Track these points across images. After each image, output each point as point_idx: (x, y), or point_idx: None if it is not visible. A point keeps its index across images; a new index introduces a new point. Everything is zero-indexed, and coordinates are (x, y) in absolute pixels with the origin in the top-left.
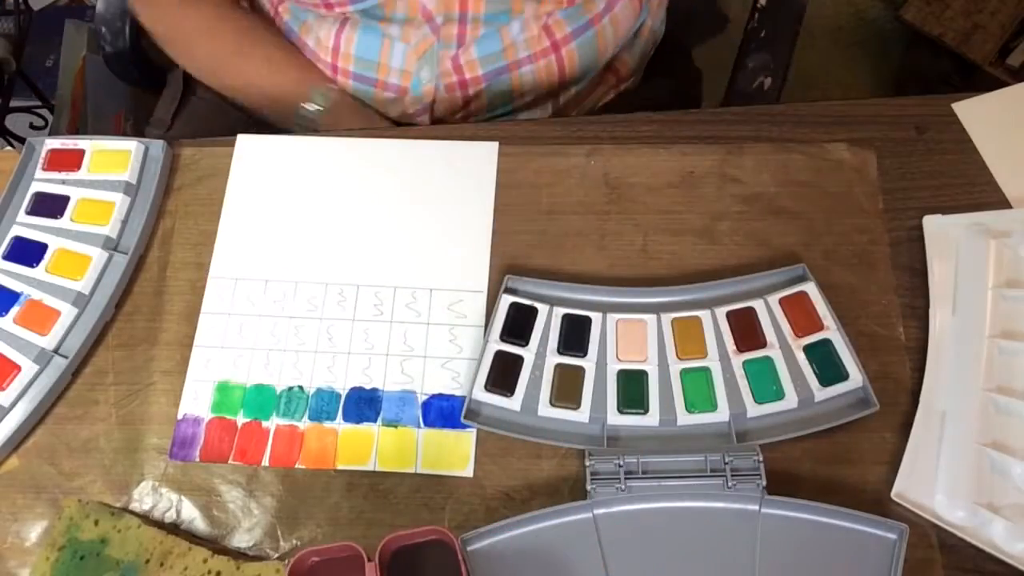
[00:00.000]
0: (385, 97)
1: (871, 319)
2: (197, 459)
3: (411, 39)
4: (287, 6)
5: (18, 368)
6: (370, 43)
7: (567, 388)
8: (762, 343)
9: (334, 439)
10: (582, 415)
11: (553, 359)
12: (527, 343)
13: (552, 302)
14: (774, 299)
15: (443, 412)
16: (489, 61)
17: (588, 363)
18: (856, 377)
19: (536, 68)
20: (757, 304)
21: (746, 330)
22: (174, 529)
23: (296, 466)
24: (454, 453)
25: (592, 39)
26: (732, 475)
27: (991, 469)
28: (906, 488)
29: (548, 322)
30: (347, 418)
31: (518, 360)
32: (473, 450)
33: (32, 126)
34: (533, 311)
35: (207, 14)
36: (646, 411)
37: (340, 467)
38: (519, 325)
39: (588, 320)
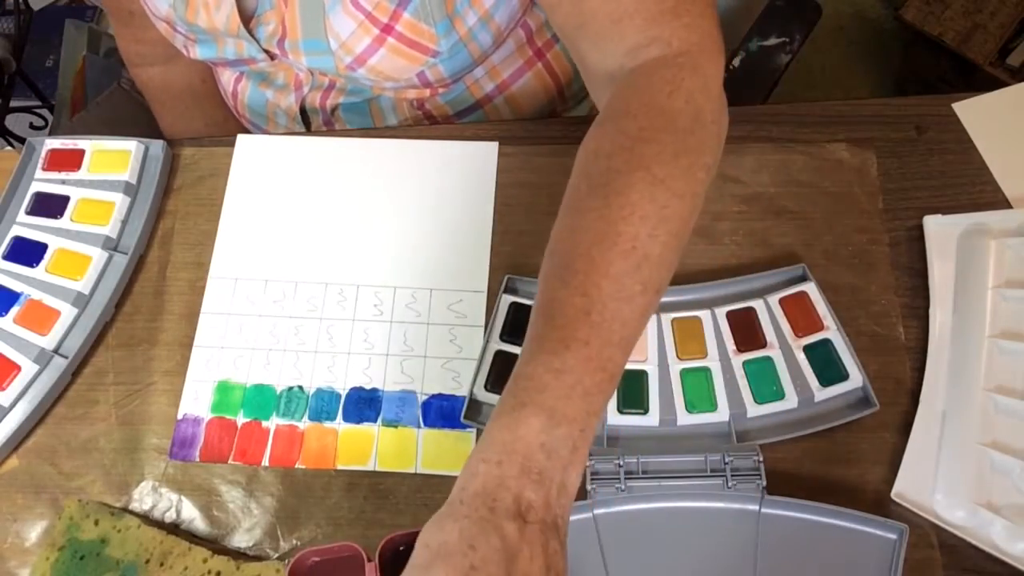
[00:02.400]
0: None
1: (871, 319)
2: (197, 459)
3: (284, 103)
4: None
5: (18, 368)
6: (256, 98)
7: None
8: (762, 343)
9: (334, 439)
10: None
11: None
12: None
13: None
14: (774, 299)
15: (443, 412)
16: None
17: None
18: (856, 377)
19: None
20: (757, 304)
21: (746, 330)
22: (174, 529)
23: (296, 466)
24: (454, 453)
25: (482, 116)
26: (732, 475)
27: (991, 469)
28: (906, 488)
29: None
30: (347, 418)
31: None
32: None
33: (32, 126)
34: None
35: (180, 86)
36: (646, 411)
37: (340, 467)
38: (519, 325)
39: None
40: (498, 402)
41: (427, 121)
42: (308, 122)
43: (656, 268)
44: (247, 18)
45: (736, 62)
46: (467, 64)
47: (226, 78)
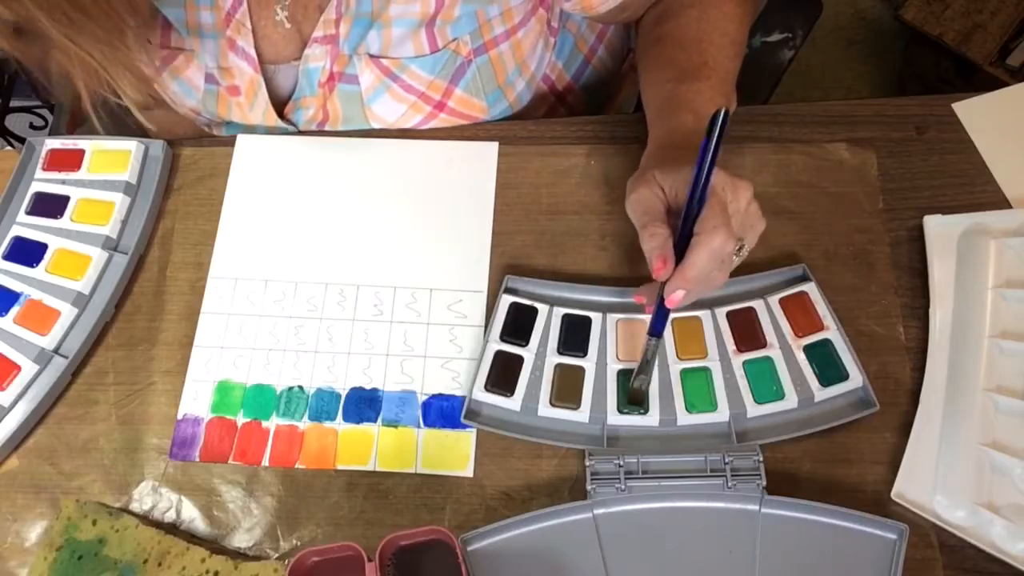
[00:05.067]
0: None
1: (871, 319)
2: (197, 459)
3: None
4: None
5: (18, 368)
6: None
7: (567, 388)
8: (762, 343)
9: (334, 439)
10: (582, 415)
11: (553, 359)
12: (527, 343)
13: (552, 302)
14: (774, 299)
15: (443, 412)
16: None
17: (588, 363)
18: (856, 377)
19: None
20: (757, 304)
21: (746, 330)
22: (172, 529)
23: (296, 466)
24: (454, 453)
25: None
26: (732, 475)
27: (991, 469)
28: (906, 488)
29: (548, 322)
30: (347, 418)
31: (518, 360)
32: (473, 450)
33: (32, 126)
34: (533, 311)
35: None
36: (646, 411)
37: (340, 467)
38: (519, 325)
39: (588, 320)
40: (650, 122)
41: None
42: None
43: (740, 42)
44: (282, 102)
45: None
46: (508, 116)
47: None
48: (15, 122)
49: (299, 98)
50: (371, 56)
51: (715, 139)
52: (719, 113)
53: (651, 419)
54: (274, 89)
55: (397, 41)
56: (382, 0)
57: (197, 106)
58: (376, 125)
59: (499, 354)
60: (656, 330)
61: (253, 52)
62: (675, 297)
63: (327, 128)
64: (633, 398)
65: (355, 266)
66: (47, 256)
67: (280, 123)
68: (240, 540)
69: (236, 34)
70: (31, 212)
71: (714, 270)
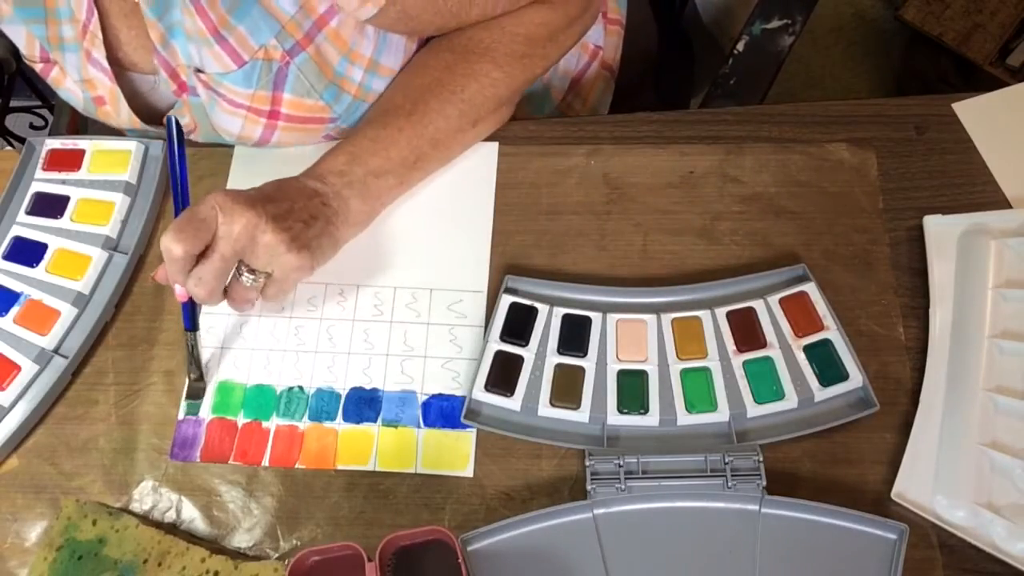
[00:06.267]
0: None
1: (871, 319)
2: (198, 460)
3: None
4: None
5: (18, 368)
6: None
7: (567, 388)
8: (762, 343)
9: (334, 439)
10: (582, 415)
11: (553, 359)
12: (527, 343)
13: (552, 302)
14: (774, 299)
15: (443, 412)
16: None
17: (588, 363)
18: (856, 377)
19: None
20: (757, 304)
21: (746, 330)
22: (172, 529)
23: (296, 466)
24: (454, 453)
25: None
26: (732, 475)
27: (991, 469)
28: (906, 488)
29: (548, 322)
30: (347, 418)
31: (518, 360)
32: (473, 450)
33: (32, 126)
34: (533, 311)
35: None
36: (646, 411)
37: (340, 467)
38: (519, 325)
39: (588, 320)
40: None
41: None
42: None
43: (475, 108)
44: (161, 112)
45: (740, 46)
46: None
47: None
48: (15, 122)
49: (180, 107)
50: (196, 70)
51: (174, 147)
52: (170, 119)
53: (651, 419)
54: (161, 97)
55: (203, 57)
56: (183, 13)
57: (87, 107)
58: (227, 139)
59: (499, 354)
60: (186, 325)
61: (106, 63)
62: (176, 291)
63: (192, 138)
64: (191, 393)
65: (355, 266)
66: (47, 256)
67: (152, 128)
68: (240, 540)
69: (91, 45)
70: (31, 212)
71: (204, 280)
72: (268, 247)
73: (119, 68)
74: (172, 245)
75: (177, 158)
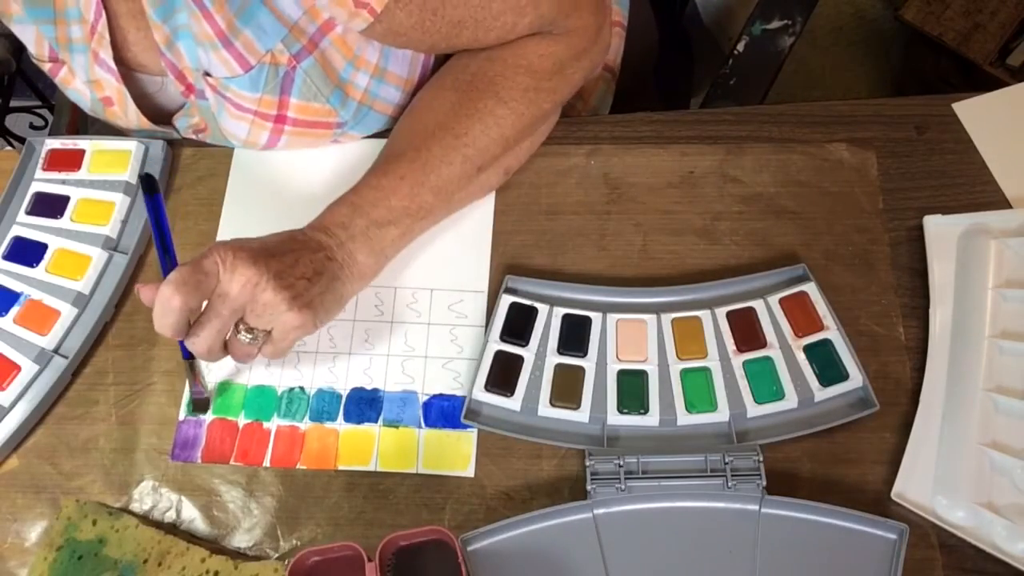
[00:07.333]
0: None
1: (871, 319)
2: (199, 460)
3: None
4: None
5: (18, 368)
6: None
7: (567, 388)
8: (762, 343)
9: (335, 439)
10: (582, 415)
11: (553, 359)
12: (527, 343)
13: (552, 302)
14: (774, 299)
15: (444, 412)
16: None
17: (588, 363)
18: (856, 377)
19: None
20: (757, 304)
21: (746, 330)
22: (172, 529)
23: (297, 466)
24: (455, 453)
25: None
26: (732, 475)
27: (991, 469)
28: (906, 488)
29: (548, 322)
30: (348, 418)
31: (518, 360)
32: (474, 450)
33: (32, 126)
34: (533, 311)
35: None
36: (646, 411)
37: (341, 467)
38: (519, 325)
39: (588, 320)
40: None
41: None
42: None
43: (479, 152)
44: (175, 109)
45: (740, 47)
46: (382, 120)
47: None
48: (15, 122)
49: (189, 107)
50: (205, 73)
51: (154, 200)
52: (143, 176)
53: (651, 419)
54: (170, 97)
55: (210, 61)
56: (190, 17)
57: (94, 108)
58: (235, 143)
59: (499, 354)
60: (184, 355)
61: (112, 64)
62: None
63: (203, 138)
64: (197, 407)
65: None
66: (47, 256)
67: (160, 129)
68: (240, 540)
69: (98, 46)
70: (31, 212)
71: (202, 339)
72: (268, 305)
73: (127, 69)
74: (172, 297)
75: (158, 214)
